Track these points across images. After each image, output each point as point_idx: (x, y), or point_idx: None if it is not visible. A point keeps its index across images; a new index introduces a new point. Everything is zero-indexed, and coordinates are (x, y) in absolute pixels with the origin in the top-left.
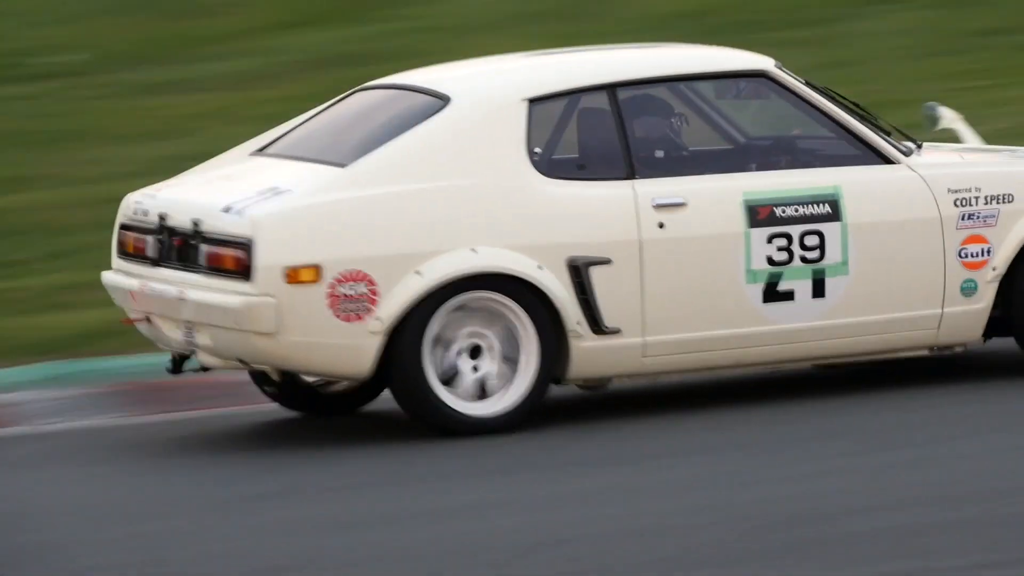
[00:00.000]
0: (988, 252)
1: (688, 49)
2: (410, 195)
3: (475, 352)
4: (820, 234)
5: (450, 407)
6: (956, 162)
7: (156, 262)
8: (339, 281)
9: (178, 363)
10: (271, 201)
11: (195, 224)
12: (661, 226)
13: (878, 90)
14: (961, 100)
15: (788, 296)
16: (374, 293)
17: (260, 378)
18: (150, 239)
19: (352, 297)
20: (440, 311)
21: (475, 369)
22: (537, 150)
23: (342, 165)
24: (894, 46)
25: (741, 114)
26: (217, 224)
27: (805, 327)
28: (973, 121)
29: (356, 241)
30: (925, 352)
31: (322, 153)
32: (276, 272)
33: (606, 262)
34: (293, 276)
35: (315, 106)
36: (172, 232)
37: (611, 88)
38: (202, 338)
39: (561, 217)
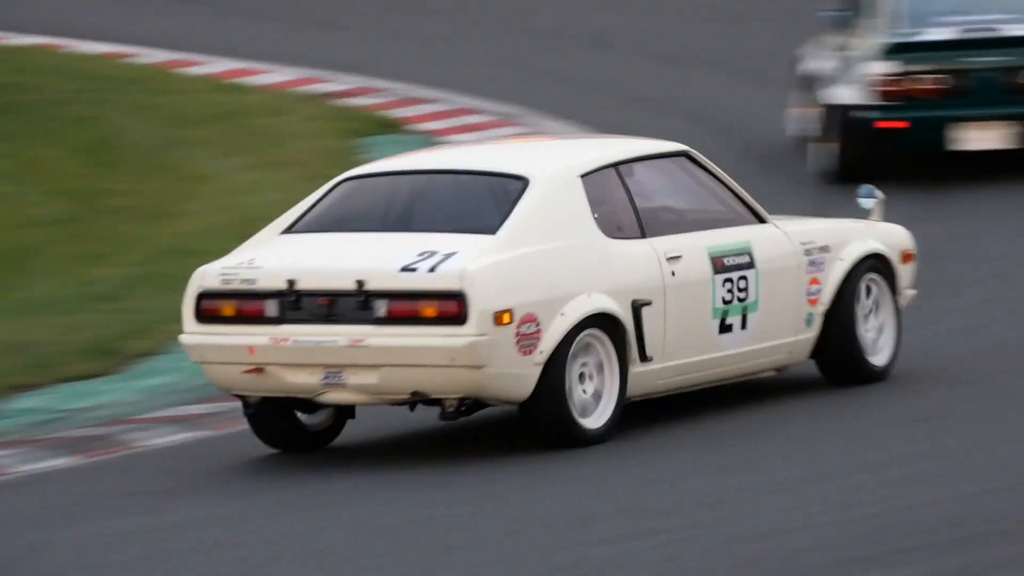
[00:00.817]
0: (820, 291)
1: (640, 140)
2: (545, 253)
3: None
4: (746, 278)
5: (577, 422)
6: (797, 220)
7: (278, 320)
8: (523, 322)
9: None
10: (458, 260)
11: (360, 284)
12: (673, 274)
13: None
14: None
15: (730, 328)
16: (539, 331)
17: (259, 423)
18: (271, 302)
19: (527, 335)
20: (575, 343)
21: (584, 391)
22: (596, 215)
23: (490, 232)
24: None
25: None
26: (403, 282)
27: (738, 352)
28: None
29: (527, 289)
30: (774, 372)
31: (427, 224)
32: (488, 316)
33: (649, 303)
34: (499, 319)
35: None
36: (305, 294)
37: (616, 166)
38: (358, 378)
39: (622, 268)
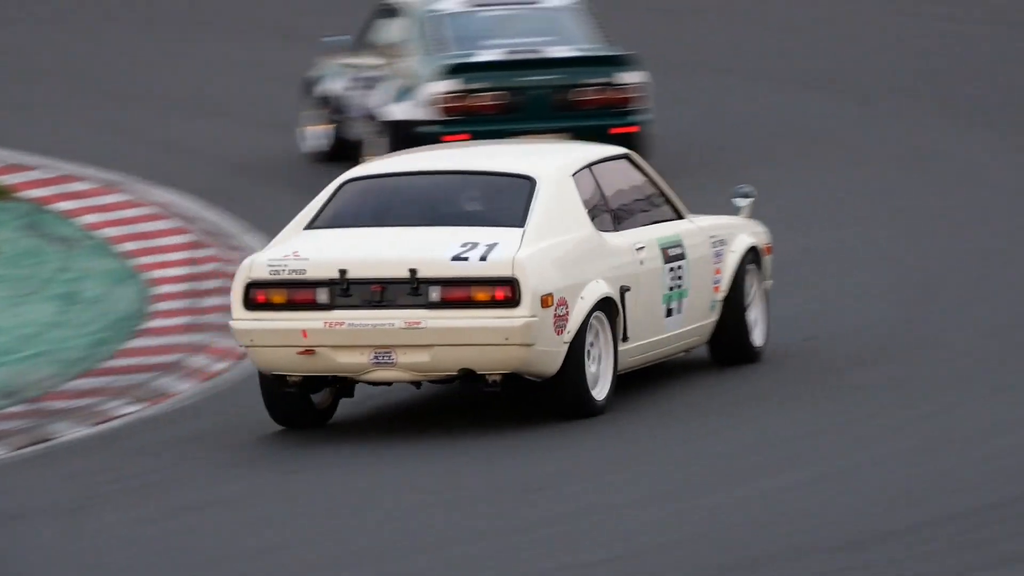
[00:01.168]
0: (721, 280)
1: (588, 144)
2: (563, 244)
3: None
4: (682, 267)
5: (591, 394)
6: (703, 217)
7: (329, 307)
8: (558, 304)
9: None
10: (504, 250)
11: (413, 272)
12: (641, 263)
13: None
14: None
15: (671, 312)
16: (567, 313)
17: (274, 401)
18: (322, 290)
19: (561, 316)
20: (590, 323)
21: (593, 367)
22: (587, 210)
23: (518, 226)
24: None
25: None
26: (455, 270)
27: (676, 333)
28: None
29: (559, 275)
30: (684, 353)
31: (455, 219)
32: (537, 299)
33: (629, 288)
34: (544, 301)
35: None
36: (356, 282)
37: (590, 166)
38: (408, 357)
39: (610, 256)
